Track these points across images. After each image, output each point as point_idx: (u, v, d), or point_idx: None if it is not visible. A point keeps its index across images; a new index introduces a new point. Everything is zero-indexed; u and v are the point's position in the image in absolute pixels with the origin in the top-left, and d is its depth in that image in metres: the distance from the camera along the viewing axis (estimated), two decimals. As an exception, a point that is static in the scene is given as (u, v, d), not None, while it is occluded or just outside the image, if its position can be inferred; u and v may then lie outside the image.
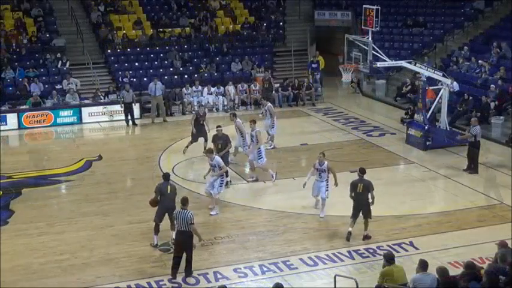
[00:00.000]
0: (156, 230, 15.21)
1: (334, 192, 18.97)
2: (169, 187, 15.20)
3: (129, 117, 26.25)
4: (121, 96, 26.32)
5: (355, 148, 22.76)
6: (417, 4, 35.25)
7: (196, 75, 30.20)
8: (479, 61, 28.02)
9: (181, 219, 13.54)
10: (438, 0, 34.67)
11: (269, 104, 23.15)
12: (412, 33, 33.29)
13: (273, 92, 28.86)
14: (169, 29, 32.59)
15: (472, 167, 20.10)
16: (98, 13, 32.40)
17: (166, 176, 15.49)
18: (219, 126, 19.59)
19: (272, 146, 22.64)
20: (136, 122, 26.62)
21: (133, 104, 26.27)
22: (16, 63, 28.88)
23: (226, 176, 18.21)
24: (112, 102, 26.82)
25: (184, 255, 13.72)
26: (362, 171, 15.53)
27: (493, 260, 11.73)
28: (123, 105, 26.14)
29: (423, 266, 11.22)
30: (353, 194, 15.41)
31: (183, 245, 13.63)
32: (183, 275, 13.80)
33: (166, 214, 15.09)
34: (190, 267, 13.77)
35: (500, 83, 25.69)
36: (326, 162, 16.82)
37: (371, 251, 14.95)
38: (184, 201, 13.80)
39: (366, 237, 15.49)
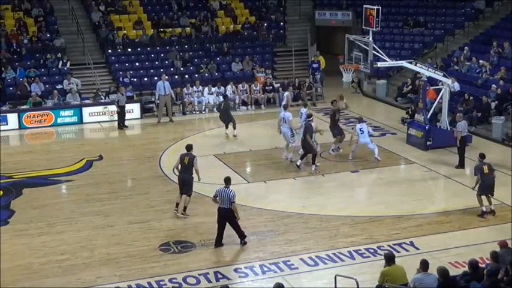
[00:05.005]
0: None
1: (334, 192, 19.04)
2: None
3: (123, 119, 26.11)
4: (116, 99, 26.20)
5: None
6: (418, 4, 35.28)
7: (196, 75, 30.22)
8: (480, 61, 28.03)
9: (223, 197, 14.78)
10: (439, 0, 34.69)
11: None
12: (412, 33, 33.31)
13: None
14: (170, 29, 32.61)
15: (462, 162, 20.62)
16: (98, 13, 32.41)
17: None
18: None
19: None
20: (137, 122, 26.66)
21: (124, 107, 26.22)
22: (17, 63, 28.90)
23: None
24: (112, 102, 26.79)
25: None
26: (482, 156, 17.07)
27: (490, 257, 11.74)
28: (118, 108, 25.92)
29: (424, 266, 11.22)
30: (480, 176, 16.81)
31: (226, 220, 14.98)
32: (184, 274, 13.86)
33: None
34: (241, 234, 15.23)
35: (502, 83, 25.70)
36: None
37: (371, 251, 14.96)
38: (227, 181, 14.97)
39: (493, 212, 16.86)
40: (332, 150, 22.02)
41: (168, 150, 22.89)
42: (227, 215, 14.98)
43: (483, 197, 16.92)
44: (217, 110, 25.22)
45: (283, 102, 23.83)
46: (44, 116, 26.25)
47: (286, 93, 25.84)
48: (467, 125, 24.15)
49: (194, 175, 16.78)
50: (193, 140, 23.90)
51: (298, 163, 20.39)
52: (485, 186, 16.80)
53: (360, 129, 21.09)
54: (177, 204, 16.95)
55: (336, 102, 23.08)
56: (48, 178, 20.18)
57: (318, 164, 20.53)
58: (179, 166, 16.84)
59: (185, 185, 16.76)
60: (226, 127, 24.44)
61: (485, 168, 16.79)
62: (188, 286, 13.55)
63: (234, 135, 24.26)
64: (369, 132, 21.31)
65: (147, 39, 31.89)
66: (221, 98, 28.38)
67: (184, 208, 16.82)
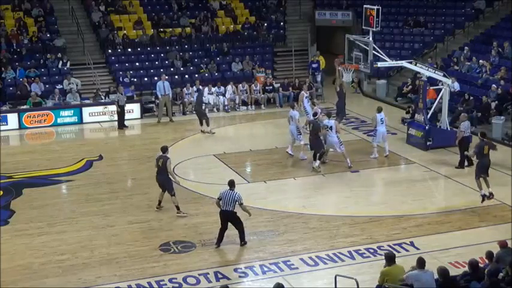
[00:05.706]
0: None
1: (334, 192, 19.03)
2: None
3: (123, 119, 26.12)
4: (116, 99, 26.17)
5: (355, 148, 22.73)
6: (418, 4, 35.26)
7: (196, 75, 30.21)
8: (480, 61, 28.03)
9: (227, 199, 14.77)
10: (439, 0, 34.69)
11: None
12: (412, 33, 33.29)
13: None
14: (170, 29, 32.60)
15: (465, 163, 20.55)
16: (98, 13, 32.41)
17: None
18: None
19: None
20: (137, 122, 26.65)
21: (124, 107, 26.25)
22: (17, 63, 28.89)
23: None
24: (112, 102, 26.79)
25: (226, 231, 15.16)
26: (483, 135, 17.46)
27: (486, 257, 11.76)
28: (119, 108, 25.86)
29: (420, 263, 11.22)
30: (478, 156, 17.34)
31: (229, 221, 15.00)
32: (184, 274, 13.87)
33: None
34: (243, 237, 15.17)
35: (502, 83, 25.70)
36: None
37: (371, 251, 14.95)
38: (232, 184, 15.04)
39: (492, 195, 17.10)
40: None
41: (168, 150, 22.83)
42: (230, 217, 14.98)
43: (481, 180, 17.17)
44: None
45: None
46: (44, 116, 26.25)
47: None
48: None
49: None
50: (193, 140, 24.05)
51: (316, 165, 20.31)
52: (482, 167, 17.21)
53: (381, 119, 21.60)
54: (159, 202, 17.27)
55: (337, 79, 24.64)
56: (48, 178, 20.17)
57: (326, 161, 20.95)
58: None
59: (163, 186, 16.99)
60: (201, 124, 24.78)
61: (486, 149, 17.19)
62: (188, 286, 13.55)
63: (209, 132, 24.64)
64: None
65: (147, 39, 31.88)
66: (221, 98, 28.47)
67: (177, 207, 16.88)
